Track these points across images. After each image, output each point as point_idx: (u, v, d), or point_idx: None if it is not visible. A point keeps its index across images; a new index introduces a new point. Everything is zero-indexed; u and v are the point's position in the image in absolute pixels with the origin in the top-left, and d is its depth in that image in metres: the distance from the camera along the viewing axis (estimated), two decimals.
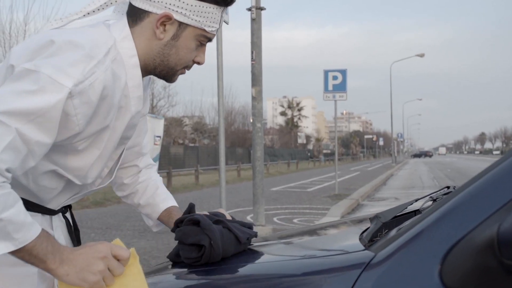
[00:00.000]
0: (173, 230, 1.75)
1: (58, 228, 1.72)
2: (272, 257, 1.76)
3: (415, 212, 1.93)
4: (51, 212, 1.67)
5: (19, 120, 1.27)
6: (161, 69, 1.63)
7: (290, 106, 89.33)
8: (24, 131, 1.28)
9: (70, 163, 1.55)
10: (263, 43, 8.95)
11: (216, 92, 7.50)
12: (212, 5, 1.57)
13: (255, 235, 1.82)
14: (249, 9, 8.78)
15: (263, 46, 8.96)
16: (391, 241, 1.34)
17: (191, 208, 1.82)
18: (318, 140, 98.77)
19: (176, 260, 1.73)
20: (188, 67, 1.68)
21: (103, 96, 1.43)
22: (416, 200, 1.90)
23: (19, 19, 24.44)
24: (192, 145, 46.06)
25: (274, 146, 73.46)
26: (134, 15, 1.58)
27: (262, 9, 8.85)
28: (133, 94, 1.59)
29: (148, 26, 1.56)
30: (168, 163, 28.09)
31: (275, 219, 11.02)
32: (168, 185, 19.64)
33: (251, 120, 9.63)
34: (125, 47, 1.55)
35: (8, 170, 1.26)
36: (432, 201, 1.84)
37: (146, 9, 1.55)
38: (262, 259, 1.74)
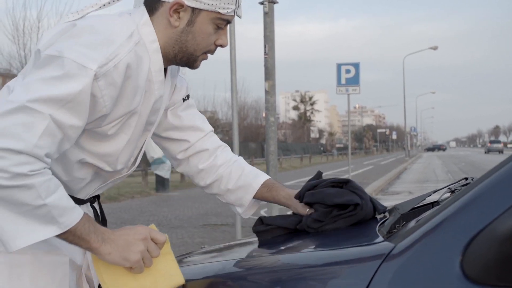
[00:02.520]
0: (297, 197, 1.84)
1: None
2: (291, 249, 1.75)
3: (433, 204, 1.92)
4: (79, 202, 1.67)
5: (52, 107, 1.34)
6: (181, 56, 1.64)
7: (302, 100, 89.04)
8: (57, 117, 1.34)
9: (101, 149, 1.59)
10: (275, 37, 8.91)
11: (229, 87, 7.50)
12: None
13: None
14: (262, 3, 8.74)
15: (276, 40, 8.92)
16: (411, 232, 1.32)
17: (319, 175, 1.89)
18: (331, 134, 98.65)
19: (276, 232, 1.83)
20: (211, 51, 1.68)
21: (127, 76, 1.48)
22: (434, 192, 1.88)
23: (32, 16, 24.60)
24: None
25: (287, 140, 73.40)
26: (149, 5, 1.61)
27: (274, 2, 8.81)
28: (156, 78, 1.62)
29: (163, 16, 1.58)
30: None
31: (289, 213, 10.98)
32: (182, 180, 19.68)
33: (264, 115, 9.62)
34: (146, 33, 1.58)
35: (47, 156, 1.34)
36: (450, 193, 1.82)
37: None
38: (281, 251, 1.74)
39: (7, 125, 1.28)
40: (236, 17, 1.67)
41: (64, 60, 1.36)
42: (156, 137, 1.90)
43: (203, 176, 1.93)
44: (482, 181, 1.30)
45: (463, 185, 1.86)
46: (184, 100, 1.88)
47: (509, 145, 67.04)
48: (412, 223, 1.51)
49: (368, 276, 1.28)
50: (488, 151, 67.22)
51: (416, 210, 1.77)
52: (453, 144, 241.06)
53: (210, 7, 1.57)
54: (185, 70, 1.92)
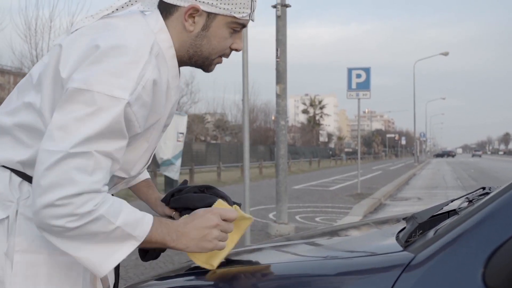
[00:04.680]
0: (164, 201, 1.83)
1: None
2: (309, 256, 1.73)
3: (449, 213, 1.90)
4: None
5: (94, 143, 1.36)
6: (196, 59, 1.63)
7: (312, 104, 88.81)
8: (102, 149, 1.37)
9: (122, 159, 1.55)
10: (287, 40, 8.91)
11: (239, 89, 7.53)
12: None
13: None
14: (274, 6, 8.75)
15: (287, 43, 8.92)
16: (432, 242, 1.31)
17: (185, 182, 1.89)
18: (340, 138, 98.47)
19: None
20: (226, 54, 1.67)
21: (154, 92, 1.47)
22: (452, 201, 1.86)
23: (45, 16, 24.68)
24: (214, 142, 46.13)
25: (295, 144, 73.34)
26: (164, 9, 1.58)
27: (287, 6, 8.82)
28: (172, 84, 1.61)
29: (178, 20, 1.56)
30: (190, 159, 28.17)
31: (297, 217, 10.98)
32: (191, 181, 19.71)
33: (273, 118, 9.61)
34: (162, 39, 1.55)
35: (104, 185, 1.39)
36: (468, 202, 1.80)
37: (174, 3, 1.55)
38: (298, 258, 1.72)
39: (59, 174, 1.32)
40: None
41: (94, 95, 1.35)
42: None
43: None
44: (505, 193, 1.28)
45: (480, 195, 1.84)
46: None
47: (478, 152, 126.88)
48: (431, 233, 1.50)
49: (387, 286, 1.26)
50: (473, 156, 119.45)
51: (432, 219, 1.75)
52: (459, 150, 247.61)
53: (226, 11, 1.55)
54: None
